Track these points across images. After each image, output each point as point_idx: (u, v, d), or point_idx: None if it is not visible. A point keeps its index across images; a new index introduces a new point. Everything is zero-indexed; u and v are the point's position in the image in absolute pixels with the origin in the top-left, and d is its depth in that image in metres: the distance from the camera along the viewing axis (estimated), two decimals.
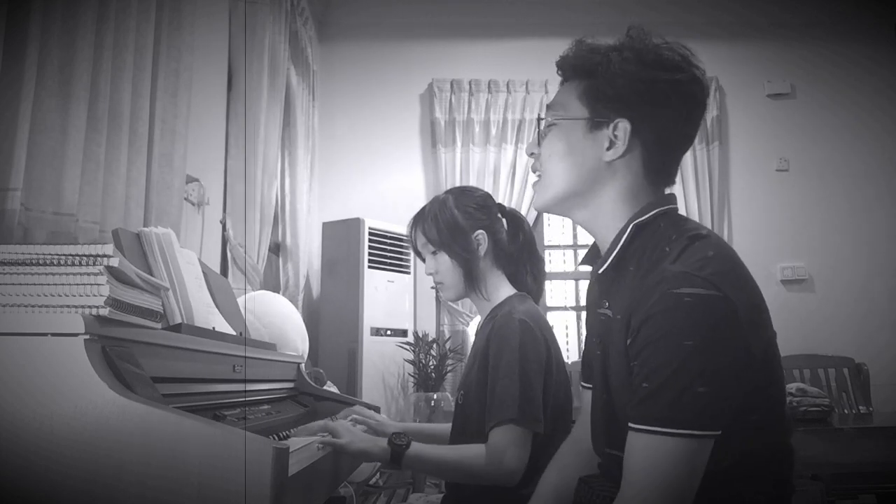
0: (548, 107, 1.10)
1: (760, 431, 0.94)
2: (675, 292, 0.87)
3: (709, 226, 4.10)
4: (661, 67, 1.00)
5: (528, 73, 4.24)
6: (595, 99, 1.02)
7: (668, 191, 1.07)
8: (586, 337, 1.22)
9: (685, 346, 0.86)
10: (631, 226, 1.00)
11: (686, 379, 0.85)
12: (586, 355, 1.20)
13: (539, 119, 1.09)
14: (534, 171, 1.11)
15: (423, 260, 1.69)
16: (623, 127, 1.00)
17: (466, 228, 1.59)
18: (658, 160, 1.03)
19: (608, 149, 1.01)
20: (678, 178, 4.04)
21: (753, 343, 0.89)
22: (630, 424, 0.90)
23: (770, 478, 0.96)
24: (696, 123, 1.04)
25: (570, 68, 1.07)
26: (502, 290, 1.62)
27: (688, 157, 4.19)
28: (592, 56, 1.03)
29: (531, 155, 1.11)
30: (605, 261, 1.02)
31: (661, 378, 0.87)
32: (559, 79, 1.11)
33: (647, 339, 0.89)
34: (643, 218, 1.00)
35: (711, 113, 4.28)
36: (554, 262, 4.35)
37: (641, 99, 1.00)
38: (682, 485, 0.86)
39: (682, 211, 4.11)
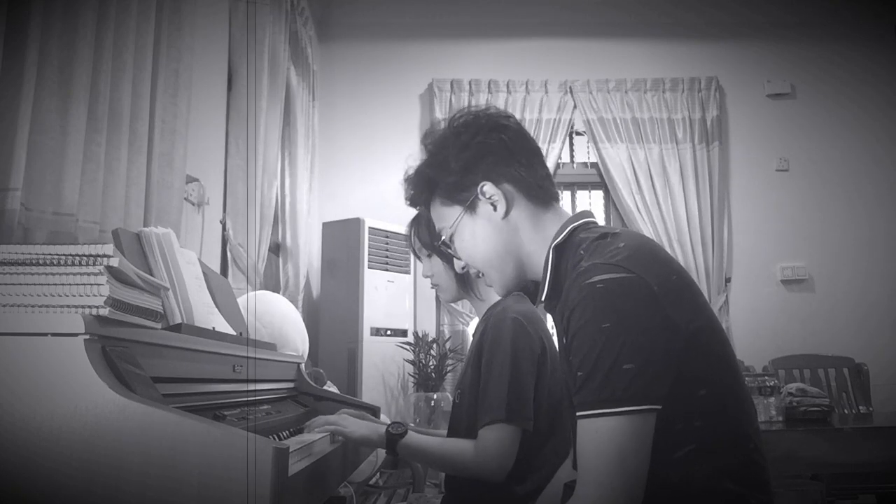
0: (438, 235, 1.23)
1: (714, 408, 0.96)
2: (587, 283, 0.94)
3: (709, 226, 4.11)
4: (464, 135, 1.15)
5: (528, 73, 4.24)
6: (453, 196, 1.16)
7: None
8: None
9: (603, 328, 0.91)
10: (551, 250, 1.09)
11: (610, 359, 0.90)
12: None
13: (444, 244, 1.22)
14: (479, 276, 1.22)
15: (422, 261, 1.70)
16: (489, 187, 1.13)
17: None
18: (533, 187, 1.14)
19: (495, 210, 1.13)
20: (678, 178, 4.13)
21: (676, 316, 0.93)
22: (576, 415, 0.94)
23: (737, 460, 0.97)
24: (524, 138, 1.17)
25: (418, 200, 1.25)
26: None
27: (688, 157, 4.19)
28: (420, 178, 1.21)
29: (463, 268, 1.26)
30: (543, 288, 1.10)
31: (590, 364, 0.92)
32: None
33: (573, 331, 0.95)
34: (559, 239, 1.09)
35: (711, 113, 4.28)
36: None
37: (476, 162, 1.13)
38: (630, 461, 0.89)
39: (682, 211, 4.14)
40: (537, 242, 1.12)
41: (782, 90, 4.40)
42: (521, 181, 1.13)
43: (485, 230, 1.14)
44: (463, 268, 1.23)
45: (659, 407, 0.91)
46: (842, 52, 4.39)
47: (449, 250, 1.22)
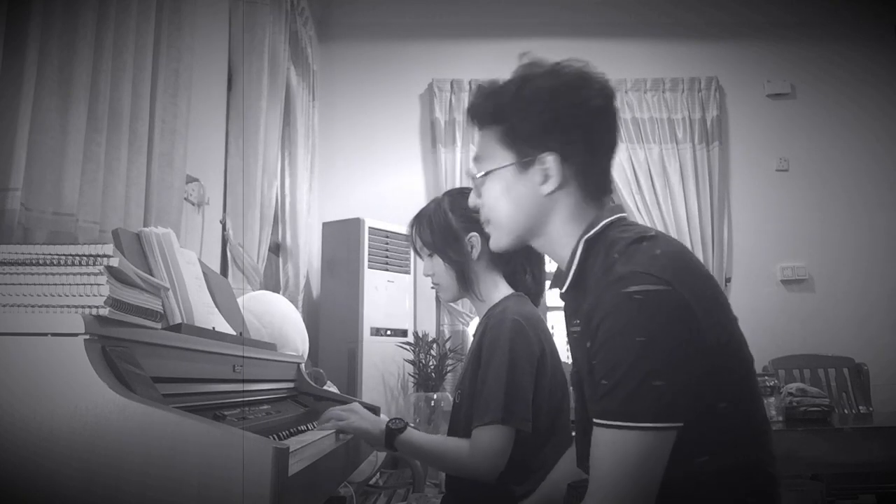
0: (475, 158, 1.15)
1: (732, 420, 0.95)
2: (624, 291, 0.91)
3: (709, 226, 4.11)
4: (566, 93, 1.05)
5: None
6: (515, 141, 1.07)
7: (615, 200, 1.11)
8: None
9: (638, 342, 0.89)
10: (581, 242, 1.05)
11: (641, 374, 0.88)
12: None
13: (480, 176, 1.13)
14: (483, 221, 1.16)
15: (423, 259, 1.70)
16: (552, 161, 1.04)
17: (460, 232, 1.61)
18: (591, 178, 1.08)
19: (543, 183, 1.06)
20: (678, 178, 4.13)
21: (707, 331, 0.92)
22: (594, 420, 0.93)
23: (749, 469, 0.97)
24: (615, 129, 1.10)
25: (482, 116, 1.12)
26: (498, 290, 1.63)
27: (688, 157, 4.19)
28: (499, 99, 1.09)
29: (474, 205, 1.16)
30: (566, 280, 1.07)
31: (618, 374, 0.90)
32: None
33: (603, 338, 0.92)
34: (591, 233, 1.04)
35: (711, 113, 4.28)
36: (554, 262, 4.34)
37: (559, 129, 1.04)
38: (646, 476, 0.89)
39: (682, 211, 4.14)
40: (566, 230, 1.07)
41: (782, 90, 4.40)
42: (583, 170, 1.06)
43: (521, 195, 1.08)
44: (474, 205, 1.16)
45: (681, 424, 0.89)
46: (842, 52, 4.39)
47: (472, 180, 1.15)
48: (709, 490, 0.94)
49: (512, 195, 1.09)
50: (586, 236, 1.05)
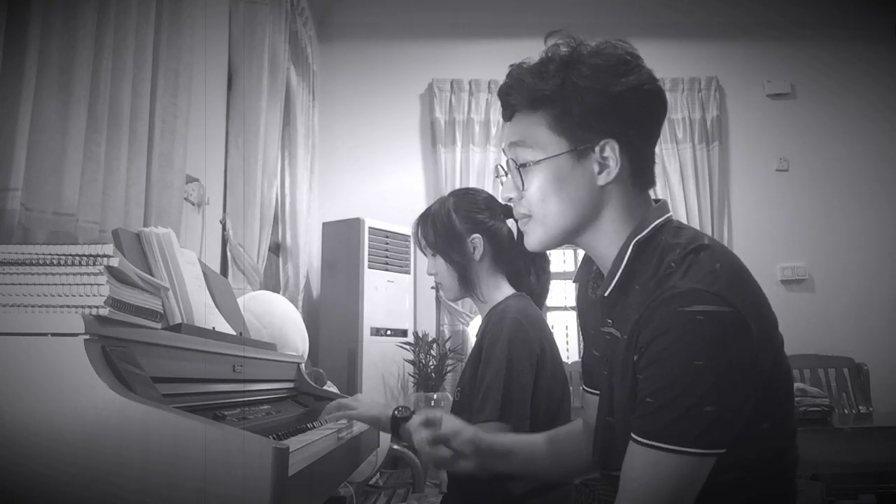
0: (512, 144, 1.02)
1: (770, 439, 0.93)
2: (686, 310, 0.85)
3: (709, 226, 4.11)
4: (619, 72, 0.97)
5: None
6: (569, 126, 0.97)
7: (652, 193, 1.05)
8: (584, 345, 1.22)
9: (695, 365, 0.84)
10: (632, 244, 0.97)
11: (693, 398, 0.84)
12: (586, 360, 1.20)
13: (522, 165, 1.01)
14: (518, 215, 1.04)
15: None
16: (612, 147, 0.96)
17: (462, 233, 1.61)
18: (643, 168, 1.00)
19: (599, 173, 0.97)
20: (678, 178, 4.13)
21: (762, 355, 0.88)
22: (632, 435, 0.89)
23: (777, 483, 0.96)
24: (663, 117, 1.02)
25: (522, 99, 1.00)
26: (500, 291, 1.63)
27: (688, 157, 4.19)
28: (544, 80, 0.97)
29: (510, 200, 1.05)
30: (610, 282, 0.98)
31: (669, 396, 0.86)
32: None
33: (657, 356, 0.87)
34: (643, 234, 0.97)
35: (711, 113, 4.28)
36: (554, 262, 4.34)
37: (618, 113, 0.96)
38: (680, 499, 0.87)
39: (682, 211, 4.14)
40: (614, 226, 0.99)
41: (782, 90, 4.40)
42: (635, 158, 0.98)
43: (575, 187, 0.98)
44: (508, 200, 1.04)
45: (724, 451, 0.87)
46: (842, 52, 4.39)
47: (515, 169, 1.02)
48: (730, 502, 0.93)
49: (564, 187, 0.98)
50: (637, 238, 0.97)
